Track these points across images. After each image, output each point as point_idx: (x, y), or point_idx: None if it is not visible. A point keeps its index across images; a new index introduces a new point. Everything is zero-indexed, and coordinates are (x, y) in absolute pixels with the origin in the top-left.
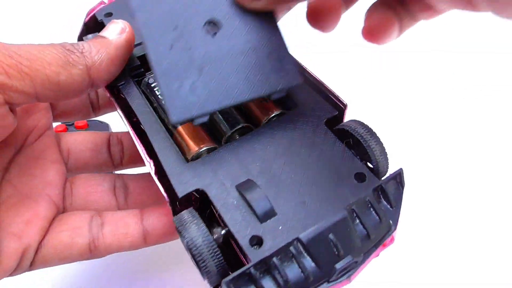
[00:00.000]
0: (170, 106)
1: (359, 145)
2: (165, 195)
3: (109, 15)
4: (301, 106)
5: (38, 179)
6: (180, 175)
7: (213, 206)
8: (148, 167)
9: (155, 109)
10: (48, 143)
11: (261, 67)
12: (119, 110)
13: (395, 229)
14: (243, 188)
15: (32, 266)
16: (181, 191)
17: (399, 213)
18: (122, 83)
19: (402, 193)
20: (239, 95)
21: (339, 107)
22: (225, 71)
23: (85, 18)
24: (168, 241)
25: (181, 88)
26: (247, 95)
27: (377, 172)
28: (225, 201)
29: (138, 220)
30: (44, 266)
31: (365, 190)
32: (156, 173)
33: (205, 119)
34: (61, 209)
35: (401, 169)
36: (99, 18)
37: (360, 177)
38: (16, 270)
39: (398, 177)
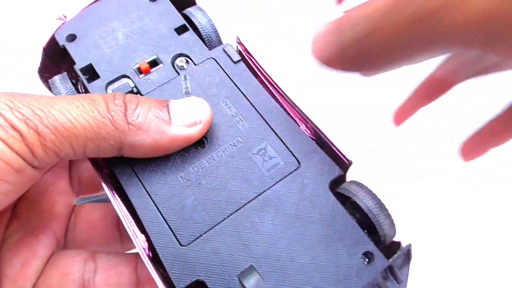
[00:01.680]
0: (177, 232)
1: (366, 217)
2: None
3: (72, 38)
4: (304, 164)
5: (45, 213)
6: (177, 262)
7: None
8: (137, 245)
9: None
10: (58, 173)
11: (253, 164)
12: (104, 185)
13: None
14: (245, 277)
15: None
16: (178, 284)
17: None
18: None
19: (409, 266)
20: (241, 199)
21: (344, 165)
22: (223, 178)
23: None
24: None
25: (184, 210)
26: (248, 195)
27: (383, 243)
28: None
29: (132, 270)
30: None
31: (374, 272)
32: (149, 251)
33: None
34: (62, 244)
35: (410, 245)
36: (60, 43)
37: (368, 257)
38: None
39: (407, 253)
